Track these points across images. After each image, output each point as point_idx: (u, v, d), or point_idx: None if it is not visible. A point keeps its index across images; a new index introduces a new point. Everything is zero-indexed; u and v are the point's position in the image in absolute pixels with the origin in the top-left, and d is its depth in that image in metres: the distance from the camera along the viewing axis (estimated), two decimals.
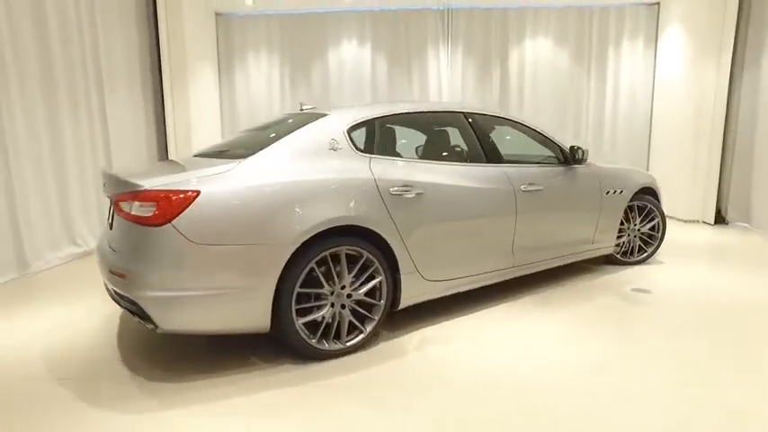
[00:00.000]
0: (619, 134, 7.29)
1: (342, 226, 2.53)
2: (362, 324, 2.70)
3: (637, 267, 4.31)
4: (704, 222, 6.37)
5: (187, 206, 2.22)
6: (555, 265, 3.75)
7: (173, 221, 2.20)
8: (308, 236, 2.41)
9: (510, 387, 2.32)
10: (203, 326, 2.34)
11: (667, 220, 4.52)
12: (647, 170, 7.29)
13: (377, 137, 2.92)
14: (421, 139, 3.34)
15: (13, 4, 3.99)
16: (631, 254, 4.39)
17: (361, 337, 2.68)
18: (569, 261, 3.86)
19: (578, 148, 3.71)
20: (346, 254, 2.59)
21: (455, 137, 3.39)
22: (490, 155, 3.32)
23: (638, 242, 4.40)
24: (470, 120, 3.34)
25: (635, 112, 7.21)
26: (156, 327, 2.27)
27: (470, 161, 3.28)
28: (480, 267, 3.22)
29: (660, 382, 2.35)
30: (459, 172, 3.08)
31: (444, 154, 3.37)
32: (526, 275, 3.71)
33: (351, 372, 2.48)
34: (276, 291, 2.38)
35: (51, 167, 4.42)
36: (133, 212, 2.26)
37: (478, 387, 2.32)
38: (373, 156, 2.79)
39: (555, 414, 2.10)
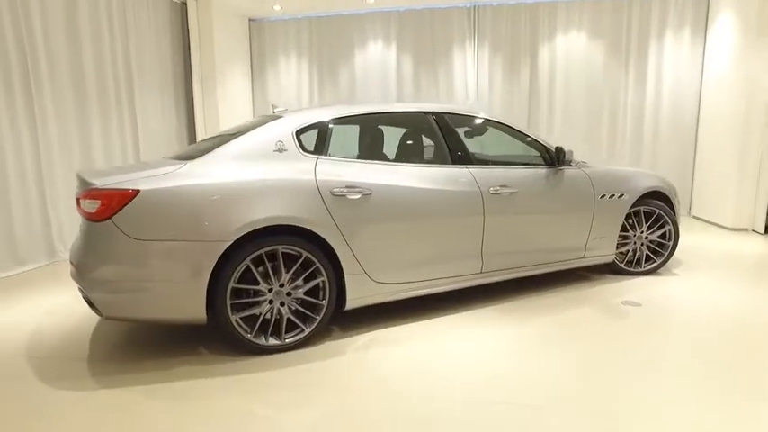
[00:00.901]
0: (661, 135, 6.75)
1: (280, 225, 2.61)
2: (305, 322, 2.77)
3: (641, 278, 4.00)
4: (754, 231, 5.74)
5: (126, 204, 2.40)
6: (537, 272, 3.58)
7: (112, 218, 2.39)
8: (239, 234, 2.50)
9: (416, 396, 2.27)
10: (142, 314, 2.51)
11: (713, 228, 4.13)
12: (693, 175, 6.71)
13: (329, 139, 2.96)
14: (383, 139, 3.33)
15: (48, 8, 4.48)
16: (638, 263, 4.08)
17: (302, 335, 2.74)
18: (557, 269, 3.67)
19: (560, 149, 3.52)
20: (289, 253, 2.67)
21: (419, 137, 3.35)
22: (457, 156, 3.24)
23: (646, 251, 4.08)
24: (438, 120, 3.28)
25: (680, 111, 6.64)
26: (101, 314, 2.48)
27: (433, 162, 3.22)
28: (442, 272, 3.15)
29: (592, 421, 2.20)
30: (415, 173, 3.04)
31: (401, 155, 3.33)
32: (509, 281, 3.60)
33: (279, 368, 2.55)
34: (213, 285, 2.51)
35: (80, 166, 4.90)
36: (84, 209, 2.48)
37: (388, 392, 2.30)
38: (321, 157, 2.84)
39: (439, 426, 2.03)
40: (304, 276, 2.71)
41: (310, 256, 2.70)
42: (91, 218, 2.44)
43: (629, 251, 4.06)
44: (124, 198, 2.40)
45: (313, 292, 2.77)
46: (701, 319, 3.16)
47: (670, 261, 4.48)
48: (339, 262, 2.77)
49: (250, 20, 7.40)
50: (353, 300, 2.88)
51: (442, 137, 3.25)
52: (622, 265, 4.05)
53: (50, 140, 4.54)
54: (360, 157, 3.01)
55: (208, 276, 2.48)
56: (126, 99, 5.40)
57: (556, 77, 6.87)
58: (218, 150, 2.72)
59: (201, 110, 6.50)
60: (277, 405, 2.23)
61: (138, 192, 2.42)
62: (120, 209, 2.40)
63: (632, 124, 6.82)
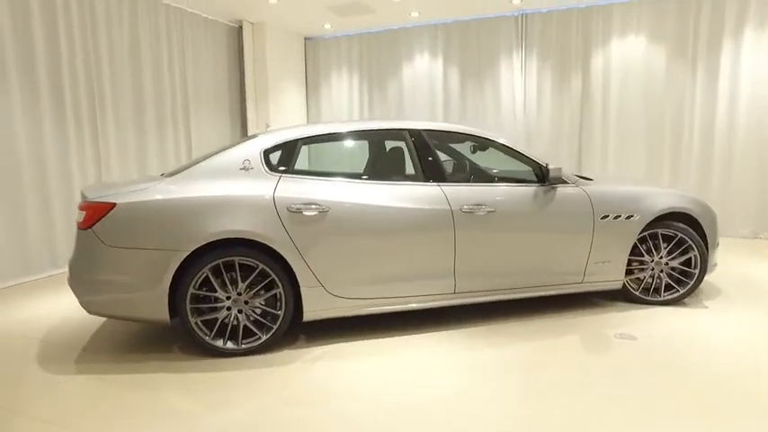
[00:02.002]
0: (736, 150, 5.95)
1: (238, 238, 2.82)
2: (263, 330, 2.93)
3: (657, 309, 3.60)
4: None
5: (104, 215, 2.76)
6: (524, 296, 3.40)
7: (93, 227, 2.76)
8: (197, 245, 2.74)
9: (338, 412, 2.31)
10: (117, 313, 2.84)
11: None
12: None
13: (296, 157, 3.11)
14: (355, 157, 3.39)
15: (114, 36, 5.20)
16: (657, 292, 3.68)
17: (258, 342, 2.91)
18: (549, 293, 3.45)
19: (545, 166, 3.32)
20: (248, 264, 2.87)
21: (392, 155, 3.36)
22: (430, 173, 3.21)
23: (666, 278, 3.66)
24: (414, 137, 3.28)
25: (760, 121, 5.80)
26: (85, 309, 2.87)
27: (403, 179, 3.22)
28: (410, 290, 3.14)
29: None
30: (380, 190, 3.06)
31: (370, 172, 3.36)
32: (499, 303, 3.48)
33: (228, 369, 2.73)
34: (175, 290, 2.79)
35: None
36: (77, 219, 2.90)
37: (313, 405, 2.36)
38: (284, 175, 3.00)
39: None
40: (260, 287, 2.89)
41: (266, 268, 2.86)
42: (79, 227, 2.83)
43: (645, 278, 3.68)
44: (103, 210, 2.76)
45: (271, 302, 2.94)
46: (705, 363, 2.78)
47: (707, 290, 4.00)
48: (295, 275, 2.90)
49: (306, 38, 7.86)
50: (310, 312, 2.99)
51: (415, 154, 3.25)
52: (637, 293, 3.68)
53: (110, 156, 5.23)
54: (327, 174, 3.12)
55: (169, 282, 2.75)
56: (181, 117, 6.04)
57: (610, 86, 6.38)
58: (192, 168, 3.01)
59: (255, 127, 7.03)
60: (207, 403, 2.41)
61: (114, 205, 2.77)
62: (99, 219, 2.76)
63: (700, 137, 6.10)
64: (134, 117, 5.46)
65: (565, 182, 3.42)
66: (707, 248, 3.67)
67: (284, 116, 7.38)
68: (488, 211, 3.18)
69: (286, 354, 2.95)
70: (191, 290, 2.79)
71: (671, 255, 3.64)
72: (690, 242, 3.60)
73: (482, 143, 3.49)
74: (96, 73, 5.02)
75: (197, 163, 3.04)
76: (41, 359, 2.93)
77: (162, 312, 2.79)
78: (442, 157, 3.88)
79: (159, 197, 2.81)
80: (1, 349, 3.09)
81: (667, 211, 3.56)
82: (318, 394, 2.48)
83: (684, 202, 3.63)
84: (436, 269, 3.15)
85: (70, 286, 2.86)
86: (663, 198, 3.60)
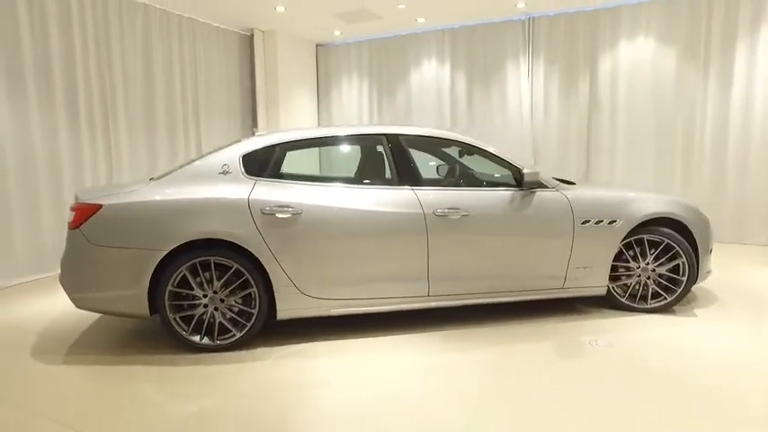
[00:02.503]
0: (751, 154, 5.73)
1: (214, 239, 2.95)
2: (238, 327, 3.05)
3: (642, 316, 3.53)
4: None
5: (90, 216, 2.94)
6: (502, 300, 3.40)
7: (80, 227, 2.95)
8: (175, 245, 2.88)
9: (296, 408, 2.39)
10: (100, 307, 3.01)
11: None
12: None
13: (273, 162, 3.21)
14: (332, 161, 3.48)
15: (127, 44, 5.48)
16: (644, 299, 3.61)
17: (233, 339, 3.03)
18: (528, 298, 3.43)
19: (520, 170, 3.33)
20: (223, 264, 2.99)
21: (368, 159, 3.42)
22: (404, 177, 3.26)
23: (653, 285, 3.59)
24: (390, 142, 3.34)
25: None
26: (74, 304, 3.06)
27: (377, 183, 3.28)
28: (383, 292, 3.19)
29: None
30: (353, 194, 3.14)
31: (345, 176, 3.43)
32: (477, 306, 3.50)
33: (202, 364, 2.86)
34: (155, 287, 2.94)
35: None
36: (68, 220, 3.10)
37: (272, 401, 2.45)
38: (260, 179, 3.11)
39: None
40: (234, 286, 3.01)
41: (240, 267, 2.98)
42: (69, 227, 3.02)
43: (632, 285, 3.61)
44: (90, 211, 2.94)
45: (247, 301, 3.05)
46: (679, 372, 2.72)
47: (702, 298, 3.90)
48: (269, 275, 3.01)
49: (317, 45, 8.03)
50: (284, 311, 3.08)
51: (391, 158, 3.31)
52: (623, 300, 3.62)
53: (122, 162, 5.50)
54: (302, 178, 3.22)
55: (148, 279, 2.90)
56: (192, 123, 6.29)
57: (619, 90, 6.26)
58: (176, 172, 3.16)
59: (266, 129, 7.24)
60: (172, 394, 2.54)
61: (100, 206, 2.95)
62: (86, 219, 2.94)
63: (713, 141, 5.90)
64: (145, 124, 5.72)
65: (544, 186, 3.41)
66: (697, 255, 3.57)
67: (295, 122, 7.56)
68: (462, 215, 3.21)
69: (260, 351, 3.06)
70: (169, 287, 2.93)
71: (658, 261, 3.57)
72: (677, 248, 3.52)
73: (459, 147, 3.51)
74: (109, 81, 5.30)
75: (182, 167, 3.20)
76: (35, 350, 3.13)
77: (143, 308, 2.95)
78: (435, 161, 3.94)
79: (141, 199, 2.97)
80: (2, 339, 3.32)
81: (653, 217, 3.49)
82: (280, 390, 2.57)
83: (672, 207, 3.55)
84: (410, 272, 3.20)
85: (60, 283, 3.06)
86: (648, 203, 3.54)
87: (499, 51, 6.85)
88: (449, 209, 3.19)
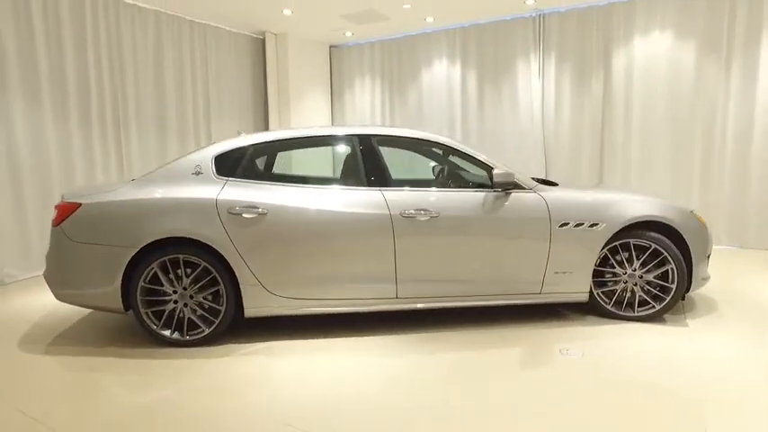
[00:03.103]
0: None
1: (184, 237, 3.04)
2: (206, 323, 3.13)
3: (628, 324, 3.36)
4: None
5: (70, 214, 3.09)
6: (476, 304, 3.32)
7: (61, 224, 3.10)
8: (145, 242, 2.98)
9: (250, 405, 2.43)
10: (79, 301, 3.15)
11: None
12: None
13: (243, 162, 3.27)
14: (304, 162, 3.50)
15: (138, 47, 5.73)
16: (630, 307, 3.44)
17: (202, 334, 3.11)
18: (503, 303, 3.34)
19: (490, 170, 3.24)
20: (193, 262, 3.08)
21: (339, 160, 3.42)
22: (373, 178, 3.25)
23: (640, 293, 3.41)
24: (361, 142, 3.34)
25: None
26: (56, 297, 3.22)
27: (346, 184, 3.28)
28: (351, 293, 3.19)
29: None
30: (320, 194, 3.16)
31: (315, 177, 3.44)
32: (453, 310, 3.45)
33: (168, 357, 2.95)
34: (129, 283, 3.06)
35: None
36: (53, 218, 3.27)
37: (226, 397, 2.51)
38: (230, 179, 3.18)
39: None
40: (203, 283, 3.09)
41: (208, 266, 3.06)
42: (52, 224, 3.19)
43: (618, 291, 3.45)
44: (69, 209, 3.10)
45: (215, 298, 3.13)
46: (645, 387, 2.59)
47: (700, 307, 3.69)
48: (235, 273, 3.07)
49: (331, 46, 8.11)
50: (251, 309, 3.14)
51: (360, 159, 3.30)
52: (609, 307, 3.46)
53: (132, 163, 5.73)
54: (273, 179, 3.26)
55: (121, 275, 3.02)
56: (203, 126, 6.49)
57: (633, 88, 5.97)
58: (153, 172, 3.28)
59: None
60: (132, 385, 2.64)
61: (79, 205, 3.10)
62: (67, 217, 3.10)
63: (736, 142, 5.54)
64: (156, 127, 5.95)
65: (520, 187, 3.31)
66: (690, 261, 3.37)
67: (306, 123, 7.66)
68: (431, 217, 3.16)
69: (227, 347, 3.13)
70: (141, 283, 3.05)
71: (645, 267, 3.39)
72: (665, 254, 3.33)
73: (432, 146, 3.46)
74: (121, 86, 5.54)
75: (160, 168, 3.32)
76: (23, 339, 3.32)
77: (117, 303, 3.07)
78: (431, 163, 3.91)
79: (116, 199, 3.10)
80: (1, 327, 3.55)
81: (639, 220, 3.32)
82: (238, 387, 2.62)
83: (660, 211, 3.36)
84: (377, 273, 3.18)
85: (44, 277, 3.23)
86: (634, 205, 3.37)
87: (510, 50, 6.70)
88: (416, 210, 3.15)
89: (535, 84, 6.56)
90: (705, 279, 3.55)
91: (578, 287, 3.36)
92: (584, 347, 3.02)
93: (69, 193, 3.26)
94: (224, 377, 2.73)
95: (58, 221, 3.12)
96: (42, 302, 4.12)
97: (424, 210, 3.16)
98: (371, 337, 3.23)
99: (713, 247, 4.03)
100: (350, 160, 3.42)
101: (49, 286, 3.19)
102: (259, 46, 7.29)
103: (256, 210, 3.07)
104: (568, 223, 3.28)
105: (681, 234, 3.37)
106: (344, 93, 8.14)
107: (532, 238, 3.26)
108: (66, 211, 3.10)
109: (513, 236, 3.25)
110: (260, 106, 7.38)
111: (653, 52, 5.85)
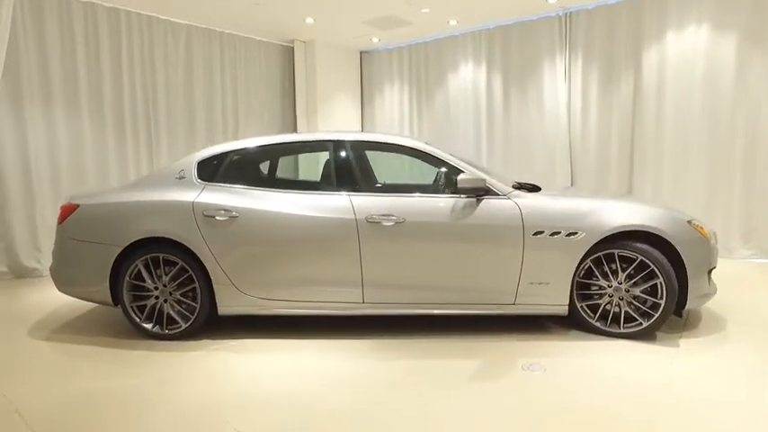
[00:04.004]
0: None
1: (164, 237, 3.25)
2: (184, 319, 3.32)
3: (612, 342, 3.15)
4: None
5: (70, 214, 3.41)
6: (449, 313, 3.26)
7: (63, 223, 3.43)
8: (130, 241, 3.22)
9: (198, 400, 2.57)
10: (76, 294, 3.46)
11: None
12: None
13: (223, 167, 3.42)
14: (274, 167, 3.60)
15: (170, 55, 6.15)
16: (616, 322, 3.22)
17: (179, 329, 3.30)
18: (475, 312, 3.25)
19: (449, 175, 3.18)
20: (172, 261, 3.29)
21: (313, 165, 3.48)
22: (343, 182, 3.29)
23: (626, 308, 3.19)
24: (335, 148, 3.39)
25: None
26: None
27: (316, 189, 3.34)
28: (318, 296, 3.25)
29: None
30: (289, 199, 3.24)
31: (287, 181, 3.51)
32: (427, 317, 3.41)
33: (145, 349, 3.17)
34: (116, 279, 3.32)
35: None
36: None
37: (181, 391, 2.66)
38: (210, 184, 3.35)
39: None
40: (181, 280, 3.28)
41: (185, 265, 3.25)
42: (57, 223, 3.53)
43: (603, 306, 3.24)
44: (70, 210, 3.42)
45: (193, 295, 3.31)
46: (601, 411, 2.43)
47: (706, 324, 3.43)
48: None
49: (361, 52, 8.23)
50: (224, 307, 3.29)
51: (332, 164, 3.36)
52: (593, 322, 3.26)
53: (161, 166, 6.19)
54: (249, 183, 3.39)
55: (109, 271, 3.28)
56: (231, 133, 6.83)
57: (666, 88, 5.55)
58: (146, 177, 3.54)
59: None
60: (106, 373, 2.87)
61: (78, 206, 3.42)
62: (67, 217, 3.42)
63: None
64: (186, 133, 6.35)
65: (492, 192, 3.20)
66: (685, 275, 3.10)
67: (335, 129, 7.83)
68: (397, 222, 3.15)
69: (203, 342, 3.30)
70: (126, 279, 3.30)
71: (633, 280, 3.16)
72: (653, 267, 3.09)
73: (402, 151, 3.44)
74: (152, 95, 5.97)
75: (153, 172, 3.57)
76: (35, 325, 3.70)
77: (107, 297, 3.35)
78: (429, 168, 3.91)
79: (109, 200, 3.38)
80: (18, 314, 3.96)
81: (621, 230, 3.10)
82: (202, 380, 2.76)
83: (647, 219, 3.12)
84: (344, 278, 3.22)
85: (49, 270, 3.58)
86: (620, 213, 3.15)
87: (535, 51, 6.46)
88: (381, 215, 3.15)
89: (561, 86, 6.28)
90: (706, 295, 3.25)
91: (556, 299, 3.20)
92: (552, 364, 2.87)
93: (73, 195, 3.59)
94: (188, 370, 2.89)
95: (61, 220, 3.45)
96: (59, 294, 4.55)
97: (389, 215, 3.16)
98: (339, 341, 3.26)
99: (744, 260, 3.66)
100: (326, 165, 3.49)
101: (53, 280, 3.53)
102: (289, 54, 7.56)
103: (228, 212, 3.22)
104: (543, 231, 3.13)
105: (674, 245, 3.11)
106: (374, 98, 8.23)
107: (504, 246, 3.15)
108: (67, 212, 3.43)
109: (484, 243, 3.16)
110: (289, 113, 7.65)
111: (688, 49, 5.42)
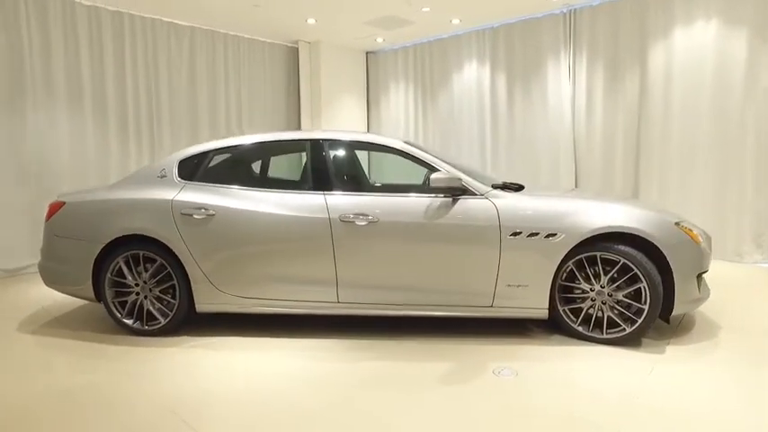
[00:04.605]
0: None
1: (144, 235, 3.29)
2: (164, 315, 3.35)
3: (593, 347, 3.04)
4: None
5: (56, 211, 3.49)
6: (425, 314, 3.19)
7: (49, 220, 3.51)
8: (110, 238, 3.27)
9: (163, 392, 2.59)
10: (62, 290, 3.52)
11: None
12: None
13: (203, 166, 3.44)
14: (251, 166, 3.60)
15: (174, 59, 6.26)
16: (599, 328, 3.11)
17: (159, 326, 3.33)
18: (453, 315, 3.17)
19: (428, 173, 3.11)
20: (151, 258, 3.32)
21: (291, 164, 3.47)
22: (319, 181, 3.26)
23: (608, 312, 3.07)
24: (312, 147, 3.36)
25: None
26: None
27: (293, 188, 3.32)
28: (294, 295, 3.23)
29: None
30: (265, 198, 3.24)
31: (265, 181, 3.50)
32: (407, 318, 3.37)
33: (124, 344, 3.21)
34: (99, 275, 3.38)
35: None
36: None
37: (147, 380, 2.69)
38: (189, 182, 3.38)
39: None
40: (160, 278, 3.31)
41: (164, 262, 3.28)
42: (45, 220, 3.61)
43: (585, 309, 3.13)
44: (56, 207, 3.49)
45: (172, 292, 3.34)
46: (568, 419, 2.36)
47: (699, 331, 3.29)
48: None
49: (367, 53, 8.22)
50: (201, 305, 3.31)
51: (309, 163, 3.34)
52: (575, 326, 3.16)
53: None
54: (227, 182, 3.39)
55: (91, 267, 3.34)
56: (236, 133, 6.91)
57: (673, 86, 5.35)
58: (130, 175, 3.59)
59: None
60: (77, 367, 2.92)
61: (63, 203, 3.49)
62: (54, 214, 3.50)
63: None
64: (189, 135, 6.44)
65: (470, 192, 3.13)
66: (672, 279, 2.97)
67: (341, 128, 7.83)
68: (370, 222, 3.11)
69: (181, 338, 3.32)
70: (108, 275, 3.35)
71: (613, 285, 3.05)
72: (635, 270, 2.97)
73: (383, 151, 3.39)
74: (155, 96, 6.08)
75: (137, 171, 3.62)
76: (26, 319, 3.79)
77: (90, 293, 3.41)
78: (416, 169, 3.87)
79: (93, 198, 3.44)
80: (16, 308, 4.07)
81: (601, 231, 2.99)
82: (171, 375, 2.78)
83: (629, 221, 3.00)
84: (318, 277, 3.19)
85: (38, 267, 3.66)
86: (601, 214, 3.04)
87: (539, 50, 6.33)
88: (355, 214, 3.12)
89: (565, 85, 6.13)
90: (696, 301, 3.11)
91: (536, 303, 3.10)
92: (525, 369, 2.79)
93: (62, 193, 3.68)
94: (161, 366, 2.91)
95: (48, 218, 3.53)
96: None
97: (363, 214, 3.12)
98: (315, 340, 3.24)
99: (748, 265, 3.50)
100: (305, 164, 3.48)
101: (41, 276, 3.61)
102: (294, 55, 7.61)
103: (205, 211, 3.24)
104: (521, 232, 3.04)
105: (660, 248, 2.98)
106: (380, 98, 8.21)
107: (480, 247, 3.07)
108: (54, 209, 3.51)
109: (459, 244, 3.09)
110: (294, 114, 7.69)
111: (696, 45, 5.21)
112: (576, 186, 6.22)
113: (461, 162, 3.80)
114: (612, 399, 2.44)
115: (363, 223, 3.11)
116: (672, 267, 2.97)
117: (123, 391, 2.61)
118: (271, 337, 3.31)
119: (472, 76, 7.04)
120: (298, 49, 7.54)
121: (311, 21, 6.49)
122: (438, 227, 3.09)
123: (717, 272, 4.10)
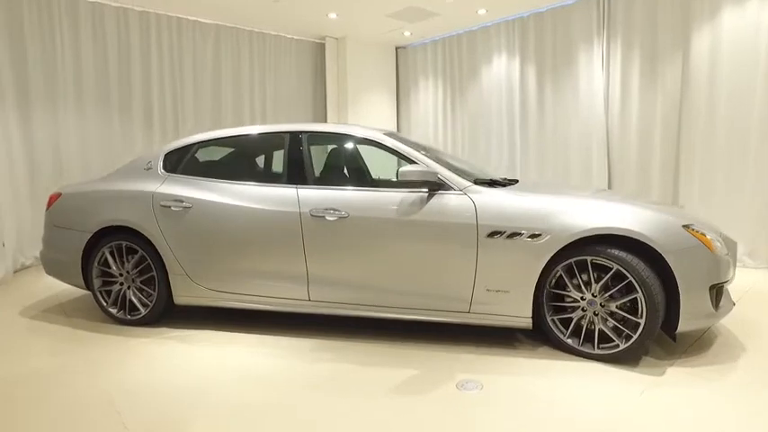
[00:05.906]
0: None
1: (127, 226, 3.34)
2: (144, 306, 3.38)
3: (584, 363, 2.71)
4: None
5: (54, 201, 3.63)
6: (394, 316, 2.98)
7: (48, 210, 3.66)
8: (96, 229, 3.35)
9: (133, 383, 2.59)
10: (60, 279, 3.65)
11: None
12: None
13: (186, 159, 3.42)
14: (243, 159, 3.52)
15: (198, 56, 6.41)
16: (590, 341, 2.77)
17: (139, 316, 3.36)
18: (429, 319, 2.94)
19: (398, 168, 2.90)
20: (134, 249, 3.36)
21: (269, 158, 3.37)
22: (293, 175, 3.15)
23: (600, 325, 2.73)
24: (291, 140, 3.25)
25: None
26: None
27: (268, 181, 3.22)
28: (267, 291, 3.14)
29: None
30: (240, 191, 3.17)
31: (244, 174, 3.40)
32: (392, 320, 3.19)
33: (103, 333, 3.27)
34: (88, 265, 3.47)
35: None
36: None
37: (121, 369, 2.70)
38: (172, 175, 3.38)
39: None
40: (141, 268, 3.35)
41: (144, 253, 3.31)
42: (45, 210, 3.77)
43: (573, 320, 2.81)
44: (54, 198, 3.63)
45: (152, 283, 3.36)
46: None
47: (713, 353, 2.86)
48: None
49: (397, 48, 8.04)
50: (179, 297, 3.30)
51: (286, 156, 3.23)
52: (564, 339, 2.84)
53: None
54: (206, 175, 3.35)
55: (80, 257, 3.44)
56: (259, 120, 6.98)
57: (720, 73, 4.74)
58: (123, 167, 3.67)
59: None
60: (50, 351, 3.02)
61: (60, 194, 3.62)
62: (52, 204, 3.64)
63: None
64: (214, 128, 6.58)
65: (447, 187, 2.89)
66: (675, 289, 2.59)
67: (368, 124, 7.72)
68: (340, 217, 2.96)
69: (159, 329, 3.34)
70: (95, 265, 3.43)
71: (605, 293, 2.70)
72: (630, 278, 2.61)
73: (361, 143, 3.23)
74: (180, 93, 6.24)
75: (128, 163, 3.70)
76: (32, 305, 3.97)
77: (80, 281, 3.51)
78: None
79: (87, 189, 3.54)
80: (26, 294, 4.28)
81: (595, 232, 2.65)
82: (125, 365, 2.79)
83: (626, 222, 2.64)
84: (288, 273, 3.09)
85: (39, 255, 3.82)
86: (594, 213, 2.69)
87: (570, 38, 5.88)
88: (325, 209, 2.98)
89: (598, 77, 5.65)
90: (710, 316, 2.69)
91: (518, 310, 2.81)
92: (493, 383, 2.53)
93: (63, 185, 3.82)
94: (123, 354, 2.94)
95: (47, 207, 3.68)
96: None
97: (333, 209, 2.97)
98: (285, 338, 3.14)
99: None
100: (279, 157, 3.38)
101: (42, 264, 3.76)
102: (320, 51, 7.58)
103: (182, 203, 3.23)
104: (501, 232, 2.77)
105: (661, 254, 2.60)
106: (410, 93, 8.01)
107: (455, 247, 2.83)
108: (52, 200, 3.65)
109: (433, 243, 2.86)
110: (320, 111, 7.66)
111: (749, 27, 4.60)
112: (608, 188, 5.72)
113: (463, 159, 3.55)
114: (587, 422, 2.13)
115: (333, 218, 2.97)
116: (676, 276, 2.58)
117: (75, 377, 2.63)
118: (245, 332, 3.25)
119: (501, 70, 6.68)
120: (324, 45, 7.50)
121: (333, 15, 6.42)
122: (411, 224, 2.88)
123: (765, 286, 3.57)
